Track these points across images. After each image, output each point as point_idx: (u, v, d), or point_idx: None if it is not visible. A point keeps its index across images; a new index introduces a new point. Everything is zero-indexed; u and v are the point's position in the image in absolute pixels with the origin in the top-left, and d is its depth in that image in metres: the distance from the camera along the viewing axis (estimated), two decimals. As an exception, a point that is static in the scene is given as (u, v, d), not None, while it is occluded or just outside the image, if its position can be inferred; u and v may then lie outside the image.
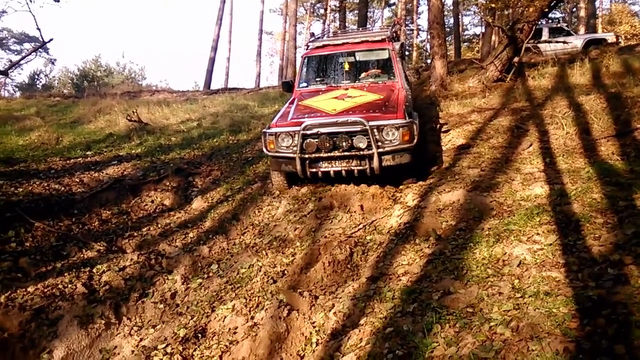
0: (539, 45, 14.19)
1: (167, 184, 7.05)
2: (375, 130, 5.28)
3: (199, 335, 3.80)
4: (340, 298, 3.72)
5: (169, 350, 3.69)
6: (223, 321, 3.87)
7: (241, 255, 4.96)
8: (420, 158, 5.73)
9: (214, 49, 25.34)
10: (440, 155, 6.34)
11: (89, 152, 9.14)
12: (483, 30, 28.28)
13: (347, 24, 26.23)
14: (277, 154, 5.65)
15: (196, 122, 11.36)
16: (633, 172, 4.45)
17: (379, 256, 4.14)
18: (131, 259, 4.87)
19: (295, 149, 5.47)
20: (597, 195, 4.10)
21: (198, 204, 6.50)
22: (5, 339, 3.66)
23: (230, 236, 5.48)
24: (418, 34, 37.88)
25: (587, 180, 4.47)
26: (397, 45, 6.91)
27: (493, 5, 11.62)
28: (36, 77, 29.13)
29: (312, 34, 8.62)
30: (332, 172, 5.53)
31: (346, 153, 5.39)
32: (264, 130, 5.82)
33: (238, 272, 4.62)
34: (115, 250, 5.21)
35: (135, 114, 11.25)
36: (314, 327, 3.52)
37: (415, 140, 5.32)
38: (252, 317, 3.81)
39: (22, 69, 36.33)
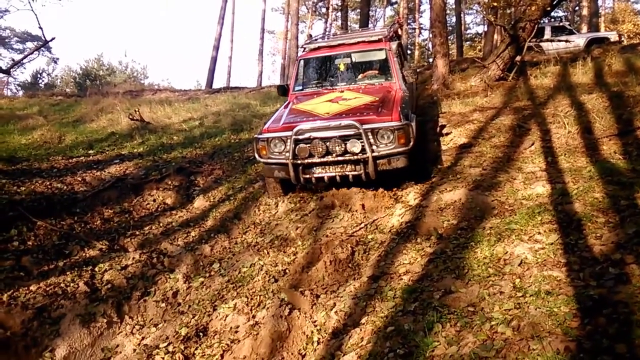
0: (541, 44, 14.14)
1: (169, 182, 7.07)
2: (369, 133, 5.09)
3: (201, 334, 3.81)
4: (342, 297, 3.72)
5: (170, 349, 3.70)
6: (225, 320, 3.88)
7: (243, 254, 4.97)
8: (420, 160, 5.57)
9: (216, 48, 25.38)
10: (440, 156, 6.32)
11: (91, 151, 9.16)
12: (485, 29, 28.23)
13: (349, 23, 26.21)
14: (269, 160, 5.47)
15: (198, 121, 11.38)
16: (635, 171, 4.44)
17: (381, 255, 4.14)
18: (133, 258, 4.88)
19: (287, 154, 5.28)
20: (598, 194, 4.10)
21: (200, 202, 6.52)
22: (8, 338, 3.68)
23: (232, 235, 5.49)
24: (420, 32, 37.88)
25: (589, 180, 4.47)
26: (394, 45, 6.74)
27: (495, 3, 11.61)
28: (39, 76, 29.19)
29: (310, 36, 8.49)
30: (326, 178, 5.36)
31: (340, 158, 5.19)
32: (256, 135, 5.64)
33: (240, 271, 4.63)
34: (118, 249, 5.23)
35: (138, 113, 11.28)
36: (316, 326, 3.52)
37: (411, 143, 5.13)
38: (254, 316, 3.82)
39: (24, 68, 36.46)
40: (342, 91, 6.26)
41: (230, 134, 9.68)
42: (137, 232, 5.69)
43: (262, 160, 5.57)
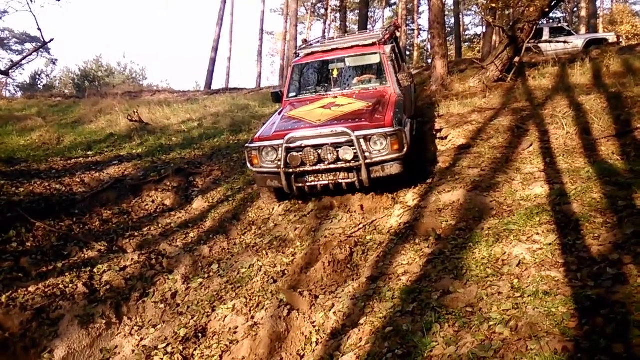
0: (539, 45, 14.17)
1: (168, 184, 7.07)
2: (361, 140, 4.99)
3: (200, 334, 3.81)
4: (340, 298, 3.73)
5: (169, 349, 3.70)
6: (223, 321, 3.88)
7: (242, 255, 4.97)
8: (415, 165, 5.49)
9: (215, 49, 25.38)
10: (438, 157, 6.32)
11: (89, 152, 9.16)
12: (484, 30, 28.26)
13: (347, 24, 26.23)
14: (262, 169, 5.37)
15: (197, 122, 11.38)
16: (633, 172, 4.45)
17: (379, 256, 4.15)
18: (132, 259, 4.88)
19: (279, 163, 5.18)
20: (596, 195, 4.11)
21: (199, 204, 6.52)
22: (7, 339, 3.69)
23: (231, 236, 5.50)
24: (419, 33, 37.90)
25: (587, 180, 4.47)
26: (388, 49, 6.60)
27: (494, 5, 11.61)
28: (37, 77, 29.14)
29: (305, 41, 8.38)
30: (319, 187, 5.26)
31: (332, 166, 5.09)
32: (247, 144, 5.51)
33: (238, 272, 4.64)
34: (116, 250, 5.23)
35: (136, 114, 11.27)
36: (314, 326, 3.53)
37: (405, 149, 5.02)
38: (253, 317, 3.82)
39: (23, 69, 36.38)
40: (336, 97, 6.16)
41: (229, 135, 9.68)
42: (136, 233, 5.69)
43: (254, 169, 5.46)
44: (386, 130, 4.99)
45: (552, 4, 9.67)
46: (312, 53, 6.92)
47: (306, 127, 5.27)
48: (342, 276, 4.09)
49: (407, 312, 3.17)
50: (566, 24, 19.05)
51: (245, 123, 10.41)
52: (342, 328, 3.35)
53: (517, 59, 9.86)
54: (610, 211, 3.76)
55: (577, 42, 15.29)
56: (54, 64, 30.81)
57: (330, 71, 6.75)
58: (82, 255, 5.06)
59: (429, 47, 34.55)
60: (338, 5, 28.46)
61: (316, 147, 5.09)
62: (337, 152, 5.07)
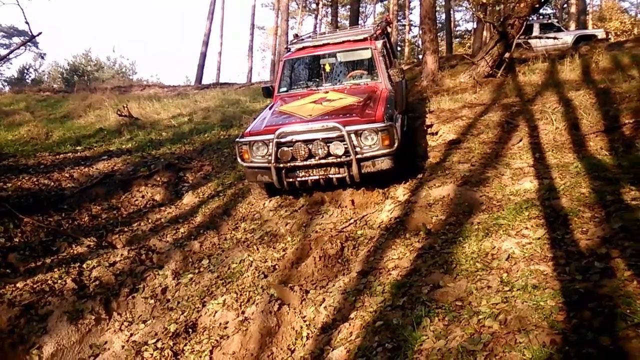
0: (529, 41, 14.23)
1: (158, 179, 7.03)
2: (352, 135, 4.99)
3: (190, 330, 3.81)
4: (331, 292, 3.73)
5: (159, 345, 3.70)
6: (214, 316, 3.88)
7: (232, 250, 4.96)
8: (406, 160, 5.48)
9: (206, 43, 25.23)
10: (429, 152, 6.34)
11: (78, 147, 9.07)
12: (474, 26, 28.37)
13: (339, 19, 26.18)
14: (252, 164, 5.34)
15: (187, 117, 11.32)
16: (621, 167, 4.49)
17: (370, 250, 4.16)
18: (121, 255, 4.86)
19: (270, 158, 5.17)
20: (585, 189, 4.14)
21: (189, 199, 6.49)
22: (-6, 335, 3.65)
23: (222, 231, 5.48)
24: (410, 29, 37.93)
25: (576, 175, 4.51)
26: (379, 44, 6.59)
27: (484, 1, 11.68)
28: (25, 71, 28.84)
29: (296, 35, 8.34)
30: (309, 182, 5.23)
31: (323, 161, 5.07)
32: (237, 139, 5.49)
33: (229, 267, 4.63)
34: (106, 246, 5.20)
35: (126, 108, 11.18)
36: (305, 321, 3.54)
37: (396, 145, 5.02)
38: (243, 312, 3.82)
39: (10, 63, 35.94)
40: (327, 92, 6.15)
41: (220, 130, 9.64)
42: (126, 229, 5.66)
43: (244, 164, 5.43)
44: (377, 126, 4.99)
45: (542, 0, 9.71)
46: (304, 48, 6.90)
47: (297, 122, 5.25)
48: (332, 271, 4.09)
49: (397, 306, 3.18)
50: (556, 20, 19.17)
51: (236, 118, 10.37)
52: (333, 322, 3.35)
53: (507, 54, 9.89)
54: (598, 206, 3.79)
55: (566, 38, 15.37)
56: (43, 58, 30.53)
57: (322, 66, 6.72)
58: (71, 250, 5.02)
59: (420, 42, 34.59)
60: (329, 0, 28.40)
61: (307, 142, 5.08)
62: (328, 147, 5.06)
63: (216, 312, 3.91)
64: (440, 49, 14.48)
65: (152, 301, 4.29)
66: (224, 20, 32.17)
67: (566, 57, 9.64)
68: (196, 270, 4.71)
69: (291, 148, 5.11)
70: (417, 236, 4.11)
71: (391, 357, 2.71)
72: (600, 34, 15.81)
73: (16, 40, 32.92)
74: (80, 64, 26.02)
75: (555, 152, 5.31)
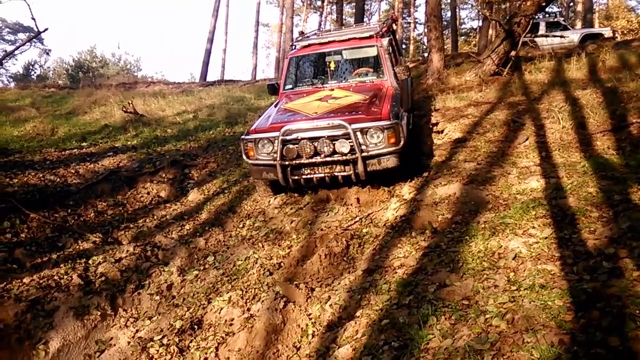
0: (535, 39, 14.16)
1: (163, 175, 7.03)
2: (358, 133, 4.95)
3: (195, 326, 3.81)
4: (337, 290, 3.73)
5: (165, 341, 3.70)
6: (219, 313, 3.88)
7: (237, 247, 4.97)
8: (415, 154, 5.46)
9: (210, 40, 25.26)
10: (434, 151, 6.32)
11: (84, 144, 9.10)
12: (480, 23, 28.26)
13: (344, 17, 26.14)
14: (257, 162, 5.32)
15: (192, 114, 11.33)
16: (628, 167, 4.47)
17: (375, 249, 4.15)
18: (127, 251, 4.86)
19: (275, 155, 5.14)
20: (592, 189, 4.12)
21: (194, 196, 6.50)
22: (1, 330, 3.66)
23: (227, 228, 5.48)
24: (415, 27, 37.82)
25: (583, 175, 4.49)
26: (385, 42, 6.55)
27: (491, -2, 11.60)
28: (31, 67, 28.87)
29: (301, 33, 8.31)
30: (315, 179, 5.22)
31: (328, 158, 5.05)
32: (243, 137, 5.45)
33: (234, 264, 4.63)
34: (111, 242, 5.20)
35: (131, 105, 11.20)
36: (310, 318, 3.53)
37: (402, 143, 4.99)
38: (249, 309, 3.82)
39: (16, 60, 36.08)
40: (332, 89, 6.13)
41: (225, 127, 9.65)
42: (131, 225, 5.67)
43: (250, 161, 5.41)
44: (383, 124, 4.97)
45: (549, -2, 9.67)
46: (309, 45, 6.87)
47: (302, 119, 5.24)
48: (338, 269, 4.09)
49: (403, 304, 3.17)
50: (562, 19, 19.08)
51: (240, 115, 10.37)
52: (339, 320, 3.35)
53: (513, 53, 9.85)
54: (606, 205, 3.78)
55: (573, 36, 15.30)
56: (48, 54, 30.52)
57: (327, 63, 6.70)
58: (77, 246, 5.03)
59: (425, 40, 34.51)
60: (334, -3, 28.35)
61: (312, 139, 5.06)
62: (334, 144, 5.04)
63: (222, 309, 3.91)
64: (445, 46, 14.45)
65: (157, 297, 4.29)
66: (229, 18, 32.21)
67: (573, 56, 9.59)
68: (201, 267, 4.71)
69: (297, 145, 5.09)
70: (423, 235, 4.10)
71: (397, 356, 2.71)
72: (607, 32, 15.74)
73: (21, 36, 33.04)
74: (86, 60, 26.03)
75: (562, 151, 5.29)
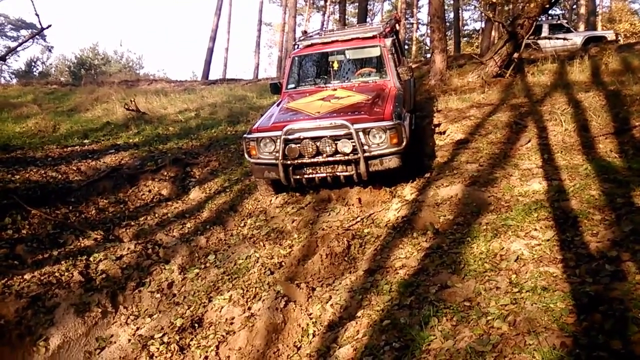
0: (538, 41, 14.16)
1: (165, 173, 7.04)
2: (360, 133, 4.97)
3: (196, 325, 3.81)
4: (338, 290, 3.72)
5: (165, 339, 3.70)
6: (220, 311, 3.87)
7: (238, 246, 4.96)
8: (417, 155, 5.49)
9: (213, 39, 25.26)
10: (436, 152, 6.31)
11: (86, 141, 9.10)
12: (483, 25, 28.22)
13: (346, 17, 26.11)
14: (259, 161, 5.33)
15: (194, 113, 11.32)
16: (631, 170, 4.46)
17: (377, 249, 4.14)
18: (128, 248, 4.86)
19: (277, 154, 5.15)
20: (595, 192, 4.11)
21: (195, 194, 6.50)
22: (2, 326, 3.66)
23: (228, 227, 5.48)
24: (418, 27, 37.81)
25: (585, 177, 4.48)
26: (388, 42, 6.55)
27: (494, 0, 11.60)
28: (33, 64, 28.92)
29: (304, 32, 8.31)
30: (317, 179, 5.23)
31: (330, 158, 5.07)
32: (245, 135, 5.47)
33: (235, 263, 4.63)
34: (112, 239, 5.21)
35: (133, 103, 11.20)
36: (311, 318, 3.53)
37: (404, 143, 5.01)
38: (249, 308, 3.81)
39: (18, 56, 36.14)
40: (335, 89, 6.13)
41: (227, 125, 9.64)
42: (132, 223, 5.67)
43: (251, 160, 5.41)
44: (385, 124, 4.97)
45: (552, 1, 9.65)
46: (312, 45, 6.87)
47: (305, 118, 5.24)
48: (339, 269, 4.08)
49: (404, 305, 3.17)
50: (565, 21, 19.04)
51: (242, 114, 10.37)
52: (339, 320, 3.34)
53: (516, 54, 9.85)
54: (608, 208, 3.77)
55: (576, 39, 15.29)
56: (50, 51, 30.63)
57: (330, 63, 6.70)
58: (78, 243, 5.03)
59: (427, 41, 34.51)
60: (337, -3, 28.33)
61: (315, 139, 5.07)
62: (336, 144, 5.05)
63: (222, 307, 3.91)
64: (448, 48, 14.43)
65: (158, 295, 4.29)
66: (232, 16, 32.19)
67: (575, 58, 9.59)
68: (202, 266, 4.71)
69: (299, 145, 5.09)
70: (424, 235, 4.10)
71: (398, 357, 2.70)
72: (610, 35, 15.72)
73: (24, 32, 33.09)
74: (88, 57, 26.06)
75: (565, 153, 5.28)
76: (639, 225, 3.33)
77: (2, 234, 4.95)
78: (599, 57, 9.73)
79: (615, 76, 7.88)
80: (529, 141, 5.87)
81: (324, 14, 36.01)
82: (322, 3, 36.19)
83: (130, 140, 9.04)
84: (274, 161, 5.21)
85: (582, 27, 24.36)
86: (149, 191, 6.64)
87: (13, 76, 29.85)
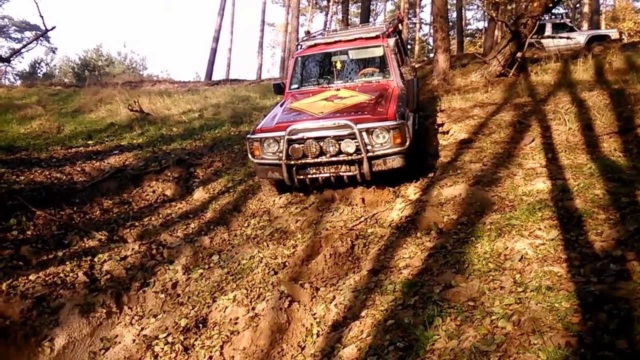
0: (542, 40, 14.12)
1: (169, 174, 7.05)
2: (364, 133, 4.96)
3: (200, 325, 3.81)
4: (341, 290, 3.72)
5: (170, 339, 3.71)
6: (224, 312, 3.88)
7: (242, 246, 4.97)
8: (420, 155, 5.49)
9: (216, 39, 25.33)
10: (440, 151, 6.31)
11: (90, 142, 9.13)
12: (486, 24, 28.15)
13: (349, 17, 26.11)
14: (263, 161, 5.33)
15: (198, 113, 11.35)
16: (635, 169, 4.45)
17: (380, 249, 4.14)
18: (132, 249, 4.88)
19: (281, 155, 5.16)
20: (599, 191, 4.10)
21: (199, 194, 6.51)
22: (7, 327, 3.68)
23: (232, 227, 5.49)
24: (420, 27, 37.77)
25: (590, 176, 4.47)
26: (391, 42, 6.52)
27: (497, -1, 11.58)
28: (37, 65, 28.98)
29: (308, 32, 8.30)
30: (320, 179, 5.22)
31: (334, 158, 5.07)
32: (248, 136, 5.48)
33: (239, 263, 4.63)
34: (117, 240, 5.22)
35: (137, 104, 11.24)
36: (315, 318, 3.53)
37: (407, 143, 4.99)
38: (253, 308, 3.82)
39: (22, 57, 36.32)
40: (338, 89, 6.12)
41: (230, 126, 9.66)
42: (137, 223, 5.69)
43: (255, 160, 5.42)
44: (389, 124, 4.97)
45: (555, 0, 9.63)
46: (315, 45, 6.86)
47: (308, 119, 5.24)
48: (343, 269, 4.08)
49: (408, 305, 3.17)
50: (569, 20, 18.99)
51: (246, 114, 10.38)
52: (343, 320, 3.35)
53: (519, 54, 9.83)
54: (613, 207, 3.76)
55: (579, 38, 15.24)
56: (54, 52, 30.71)
57: (333, 63, 6.70)
58: (83, 244, 5.05)
59: (430, 40, 34.49)
60: (340, -3, 28.34)
61: (318, 139, 5.07)
62: (339, 144, 5.05)
63: (226, 307, 3.91)
64: (451, 47, 14.42)
65: (162, 296, 4.30)
66: (235, 17, 32.27)
67: (579, 57, 9.56)
68: (206, 266, 4.71)
69: (302, 145, 5.10)
70: (428, 235, 4.09)
71: (403, 356, 2.70)
72: (614, 34, 15.67)
73: (28, 34, 33.21)
74: (92, 58, 26.11)
75: (568, 152, 5.27)
76: (644, 225, 3.31)
77: (7, 234, 4.97)
78: (603, 56, 9.71)
79: (619, 75, 7.86)
80: (533, 140, 5.86)
81: (326, 14, 36.06)
82: (324, 3, 36.23)
83: (134, 141, 9.07)
84: (277, 161, 5.22)
85: (585, 26, 24.28)
86: (153, 192, 6.66)
87: (17, 77, 29.98)
